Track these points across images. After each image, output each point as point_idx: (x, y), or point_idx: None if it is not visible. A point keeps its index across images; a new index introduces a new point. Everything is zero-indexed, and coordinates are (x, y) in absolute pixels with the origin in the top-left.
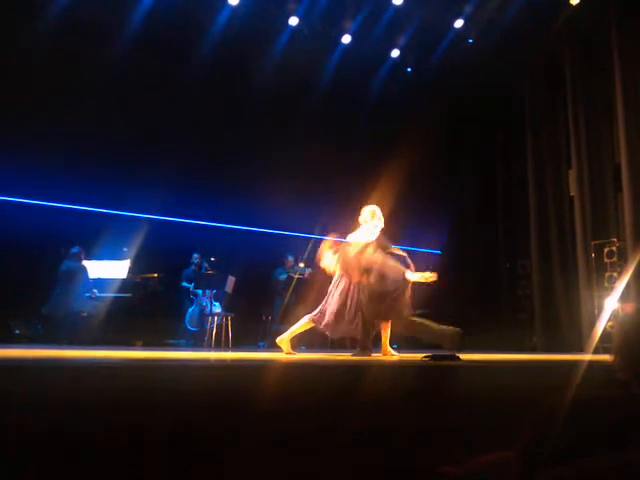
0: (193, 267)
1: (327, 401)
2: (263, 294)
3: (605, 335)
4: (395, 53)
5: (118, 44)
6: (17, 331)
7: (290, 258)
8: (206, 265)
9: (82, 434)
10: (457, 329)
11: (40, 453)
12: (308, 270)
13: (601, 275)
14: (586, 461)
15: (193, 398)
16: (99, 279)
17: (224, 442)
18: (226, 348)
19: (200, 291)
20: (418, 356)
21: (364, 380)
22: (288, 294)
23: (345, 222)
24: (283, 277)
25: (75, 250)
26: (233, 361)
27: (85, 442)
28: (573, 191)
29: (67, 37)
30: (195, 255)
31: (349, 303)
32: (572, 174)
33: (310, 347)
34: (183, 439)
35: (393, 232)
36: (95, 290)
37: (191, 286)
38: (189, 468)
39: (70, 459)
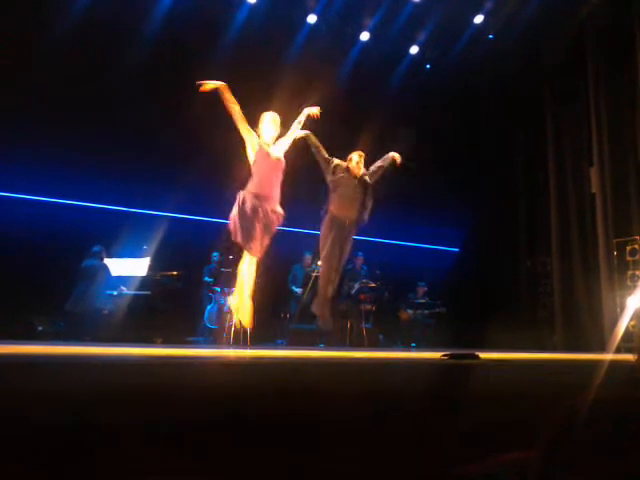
0: (214, 264)
1: (345, 399)
2: (281, 292)
3: (627, 334)
4: (414, 50)
5: (133, 44)
6: (40, 328)
7: (308, 255)
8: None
9: (103, 431)
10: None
11: (61, 449)
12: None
13: (623, 273)
14: (608, 462)
15: (213, 394)
16: (119, 277)
17: (242, 438)
18: (245, 345)
19: (219, 289)
20: (437, 354)
21: (383, 379)
22: (306, 292)
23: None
24: (300, 274)
25: (96, 249)
26: (252, 358)
27: (106, 438)
28: (595, 188)
29: (80, 36)
30: (215, 254)
31: None
32: (594, 171)
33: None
34: (203, 435)
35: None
36: (123, 287)
37: (212, 281)
38: (207, 462)
39: (92, 454)
